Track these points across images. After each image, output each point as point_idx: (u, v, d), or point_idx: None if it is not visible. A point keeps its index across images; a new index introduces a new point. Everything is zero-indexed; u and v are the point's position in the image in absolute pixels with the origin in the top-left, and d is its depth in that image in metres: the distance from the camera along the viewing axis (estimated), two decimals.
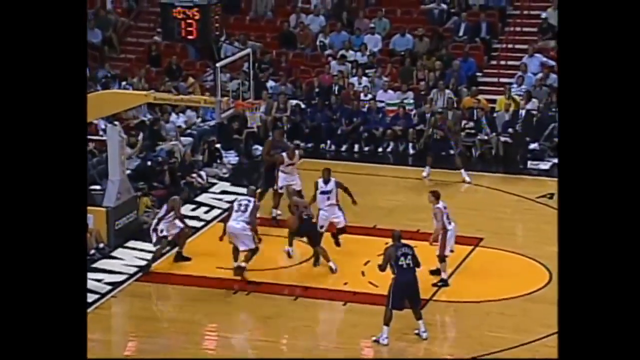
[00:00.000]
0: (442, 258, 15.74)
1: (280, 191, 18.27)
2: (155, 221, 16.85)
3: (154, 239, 16.68)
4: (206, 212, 19.32)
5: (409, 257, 14.03)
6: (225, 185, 20.74)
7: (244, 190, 19.51)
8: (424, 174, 20.83)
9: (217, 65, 16.81)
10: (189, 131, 22.77)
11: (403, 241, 14.39)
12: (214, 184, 20.84)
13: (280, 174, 18.29)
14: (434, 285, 15.66)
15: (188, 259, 16.90)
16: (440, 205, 15.79)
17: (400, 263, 13.93)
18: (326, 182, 16.99)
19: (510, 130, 22.36)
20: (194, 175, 20.64)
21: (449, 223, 15.72)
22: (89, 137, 19.67)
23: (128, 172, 18.63)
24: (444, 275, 15.82)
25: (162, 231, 16.61)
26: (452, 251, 15.90)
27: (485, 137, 22.34)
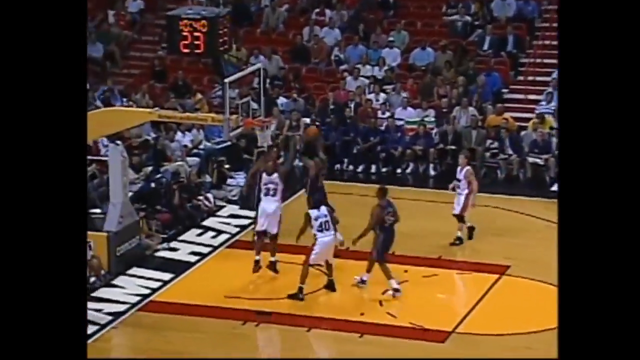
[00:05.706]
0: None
1: None
2: None
3: None
4: (213, 237, 19.50)
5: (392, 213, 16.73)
6: (234, 209, 20.88)
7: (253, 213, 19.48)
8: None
9: (226, 81, 16.82)
10: (195, 151, 22.81)
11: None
12: (222, 207, 20.99)
13: None
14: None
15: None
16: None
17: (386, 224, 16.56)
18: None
19: (536, 150, 22.46)
20: (201, 197, 20.66)
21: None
22: (90, 157, 19.71)
23: (130, 194, 18.70)
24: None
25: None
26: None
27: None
